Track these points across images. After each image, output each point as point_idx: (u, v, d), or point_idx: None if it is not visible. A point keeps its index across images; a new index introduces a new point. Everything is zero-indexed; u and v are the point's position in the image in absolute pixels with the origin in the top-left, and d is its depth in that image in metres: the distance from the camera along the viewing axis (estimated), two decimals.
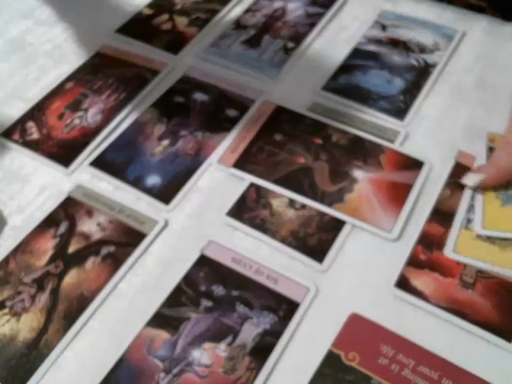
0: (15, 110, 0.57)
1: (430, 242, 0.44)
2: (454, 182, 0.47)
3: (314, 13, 0.64)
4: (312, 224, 0.46)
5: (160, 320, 0.42)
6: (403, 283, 0.42)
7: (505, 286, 0.41)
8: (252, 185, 0.49)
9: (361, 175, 0.49)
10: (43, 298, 0.44)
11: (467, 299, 0.41)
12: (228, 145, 0.52)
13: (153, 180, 0.50)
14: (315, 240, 0.45)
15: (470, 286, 0.42)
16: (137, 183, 0.50)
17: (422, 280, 0.42)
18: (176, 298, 0.43)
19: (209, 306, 0.42)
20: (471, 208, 0.46)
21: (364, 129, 0.52)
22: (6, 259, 0.46)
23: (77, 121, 0.56)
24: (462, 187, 0.47)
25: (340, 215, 0.46)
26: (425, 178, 0.48)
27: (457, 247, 0.43)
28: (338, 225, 0.46)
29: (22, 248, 0.47)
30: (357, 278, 0.43)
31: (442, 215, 0.46)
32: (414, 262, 0.43)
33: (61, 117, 0.56)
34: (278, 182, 0.49)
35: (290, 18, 0.64)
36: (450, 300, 0.41)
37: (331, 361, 0.39)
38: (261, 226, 0.46)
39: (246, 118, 0.54)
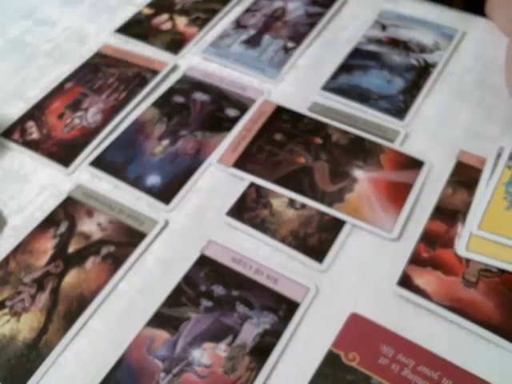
0: (15, 109, 0.57)
1: (433, 240, 0.44)
2: (457, 181, 0.47)
3: (313, 12, 0.64)
4: (312, 224, 0.46)
5: (160, 320, 0.42)
6: (406, 281, 0.42)
7: (507, 285, 0.41)
8: (252, 184, 0.49)
9: (361, 175, 0.49)
10: (43, 298, 0.44)
11: (469, 298, 0.41)
12: (228, 145, 0.52)
13: (153, 180, 0.50)
14: (315, 240, 0.45)
15: (473, 284, 0.42)
16: (137, 183, 0.50)
17: (424, 278, 0.42)
18: (176, 297, 0.43)
19: (209, 305, 0.42)
20: None
21: (364, 129, 0.52)
22: (6, 259, 0.46)
23: (77, 120, 0.56)
24: (464, 186, 0.47)
25: (340, 215, 0.46)
26: (425, 178, 0.48)
27: (470, 245, 0.43)
28: (338, 225, 0.46)
29: (22, 248, 0.47)
30: (357, 278, 0.43)
31: (445, 213, 0.46)
32: (416, 260, 0.43)
33: (61, 117, 0.56)
34: (278, 181, 0.49)
35: (290, 17, 0.64)
36: (452, 298, 0.41)
37: (331, 361, 0.39)
38: (261, 226, 0.46)
39: (246, 117, 0.54)
